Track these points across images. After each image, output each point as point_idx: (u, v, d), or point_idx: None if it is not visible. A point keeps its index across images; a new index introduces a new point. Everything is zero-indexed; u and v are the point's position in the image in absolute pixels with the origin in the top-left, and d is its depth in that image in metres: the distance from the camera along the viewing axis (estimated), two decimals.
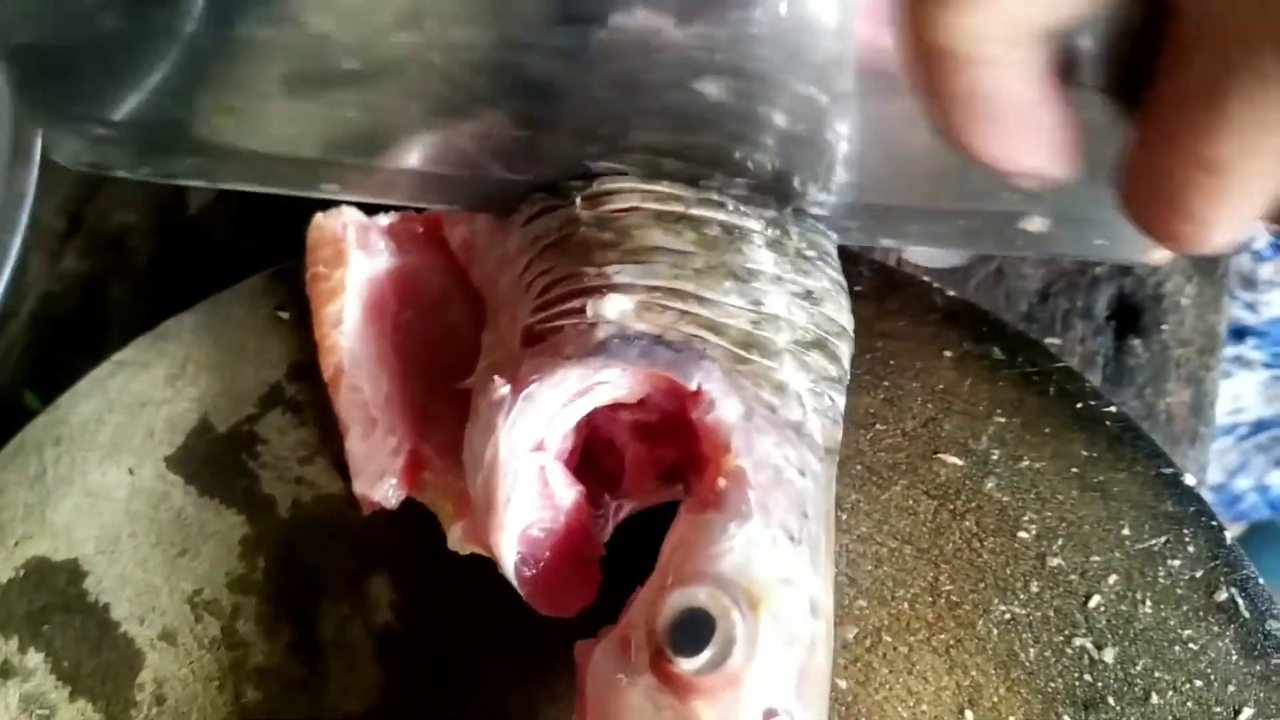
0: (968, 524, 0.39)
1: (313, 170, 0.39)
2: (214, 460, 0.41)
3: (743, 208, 0.37)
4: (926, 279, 0.45)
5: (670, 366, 0.32)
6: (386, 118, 0.38)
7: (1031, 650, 0.37)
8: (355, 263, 0.41)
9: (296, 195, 0.41)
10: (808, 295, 0.36)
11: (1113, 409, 0.41)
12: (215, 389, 0.42)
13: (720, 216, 0.36)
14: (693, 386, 0.32)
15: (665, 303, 0.34)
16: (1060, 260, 0.53)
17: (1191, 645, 0.37)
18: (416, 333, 0.42)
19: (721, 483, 0.31)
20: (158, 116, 0.39)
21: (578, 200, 0.37)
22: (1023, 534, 0.39)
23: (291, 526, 0.40)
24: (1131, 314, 0.53)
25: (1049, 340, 0.50)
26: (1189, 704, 0.36)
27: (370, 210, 0.42)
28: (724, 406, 0.32)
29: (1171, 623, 0.37)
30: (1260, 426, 0.92)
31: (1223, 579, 0.38)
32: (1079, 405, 0.41)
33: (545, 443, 0.32)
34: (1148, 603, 0.37)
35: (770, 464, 0.32)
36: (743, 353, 0.34)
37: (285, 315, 0.44)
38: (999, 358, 0.42)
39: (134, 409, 0.42)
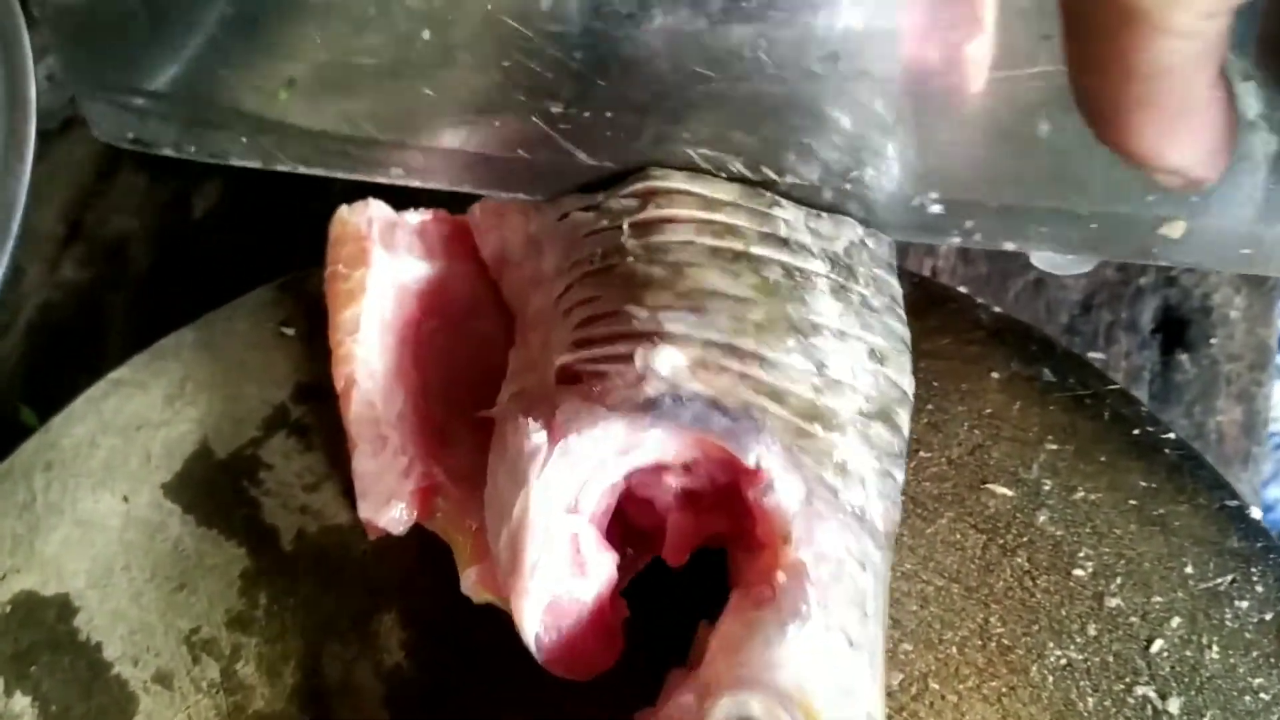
0: (1019, 560, 0.37)
1: (380, 151, 0.37)
2: (214, 487, 0.39)
3: (807, 243, 0.34)
4: (967, 292, 0.43)
5: (726, 436, 0.30)
6: (461, 94, 0.35)
7: (1090, 699, 0.34)
8: (378, 263, 0.39)
9: (358, 179, 0.38)
10: (872, 354, 0.33)
11: (1171, 435, 0.39)
12: (216, 410, 0.40)
13: (782, 257, 0.34)
14: (750, 462, 0.30)
15: (723, 362, 0.31)
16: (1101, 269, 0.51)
17: (1263, 695, 0.34)
18: (439, 345, 0.40)
19: (780, 577, 0.28)
20: (208, 87, 0.36)
21: (625, 226, 0.34)
22: (1078, 571, 0.36)
23: (296, 559, 0.38)
24: (1178, 327, 0.51)
25: (1091, 355, 0.47)
26: None
27: (398, 207, 0.40)
28: (784, 488, 0.29)
29: (1240, 670, 0.35)
30: None
31: None
32: (1135, 431, 0.39)
33: (580, 503, 0.30)
34: (1214, 648, 0.35)
35: (832, 557, 0.29)
36: (805, 425, 0.31)
37: (290, 332, 0.42)
38: (1049, 379, 0.40)
39: (130, 432, 0.40)
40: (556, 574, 0.29)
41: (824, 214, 0.35)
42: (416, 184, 0.38)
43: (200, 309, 0.43)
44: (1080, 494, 0.38)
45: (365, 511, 0.36)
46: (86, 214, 0.55)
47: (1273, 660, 0.35)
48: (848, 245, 0.35)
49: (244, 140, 0.37)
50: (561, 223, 0.36)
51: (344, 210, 0.39)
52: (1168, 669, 0.35)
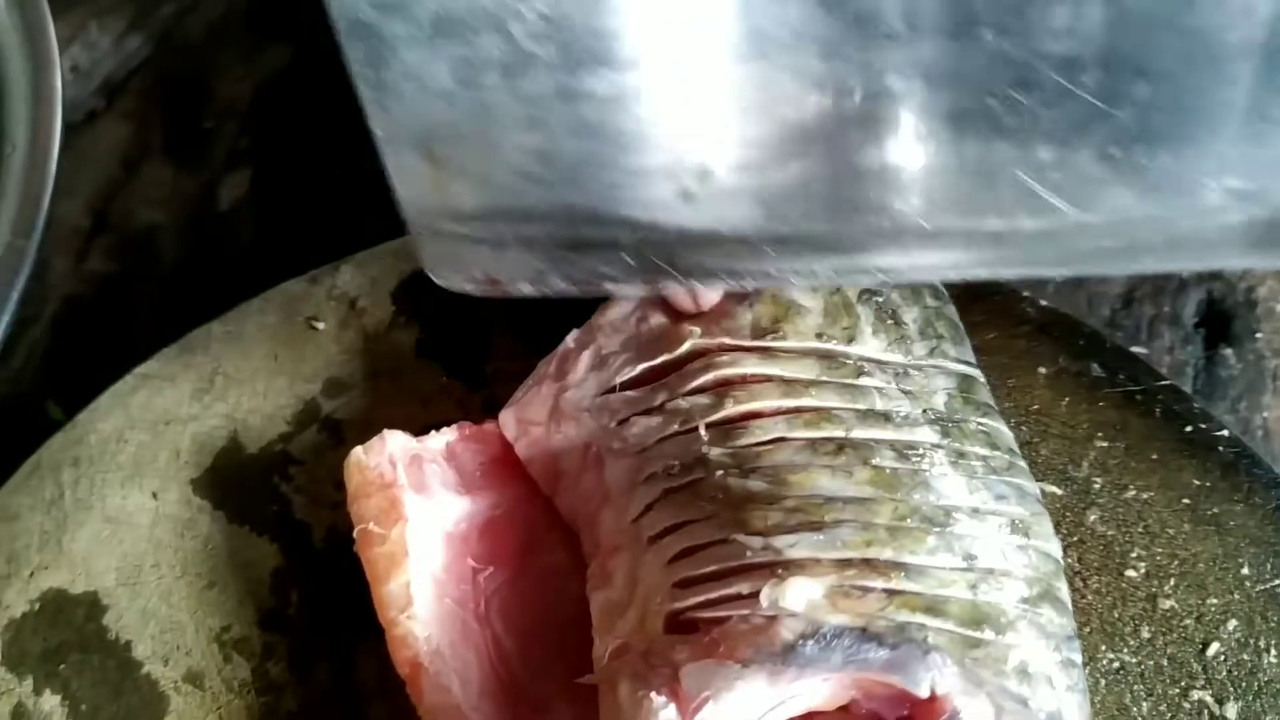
0: (1069, 560, 0.36)
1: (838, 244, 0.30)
2: (244, 484, 0.39)
3: (906, 410, 0.31)
4: (1012, 286, 0.42)
5: (888, 669, 0.27)
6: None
7: (1145, 704, 0.34)
8: (415, 514, 0.33)
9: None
10: (1015, 526, 0.31)
11: (1225, 432, 0.38)
12: (245, 406, 0.41)
13: (888, 435, 0.31)
14: (923, 692, 0.26)
15: (862, 581, 0.28)
16: None
17: None
18: (505, 594, 0.35)
19: None
20: (586, 198, 0.30)
21: (702, 430, 0.31)
22: (1130, 572, 0.36)
23: (328, 557, 0.38)
24: (1222, 321, 0.51)
25: (1134, 349, 0.47)
26: None
27: (416, 431, 0.36)
28: (970, 712, 0.26)
29: None
30: None
31: None
32: (1188, 429, 0.38)
33: None
34: (1273, 651, 0.35)
35: None
36: (973, 633, 0.28)
37: (321, 325, 0.42)
38: (1098, 375, 0.39)
39: (158, 427, 0.40)
40: None
41: (911, 369, 0.33)
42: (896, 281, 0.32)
43: (229, 302, 0.43)
44: (1131, 492, 0.37)
45: None
46: (113, 206, 0.55)
47: None
48: (946, 397, 0.33)
49: (628, 260, 0.31)
50: (620, 428, 0.33)
51: (358, 454, 0.34)
52: (1224, 673, 0.34)
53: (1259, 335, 0.50)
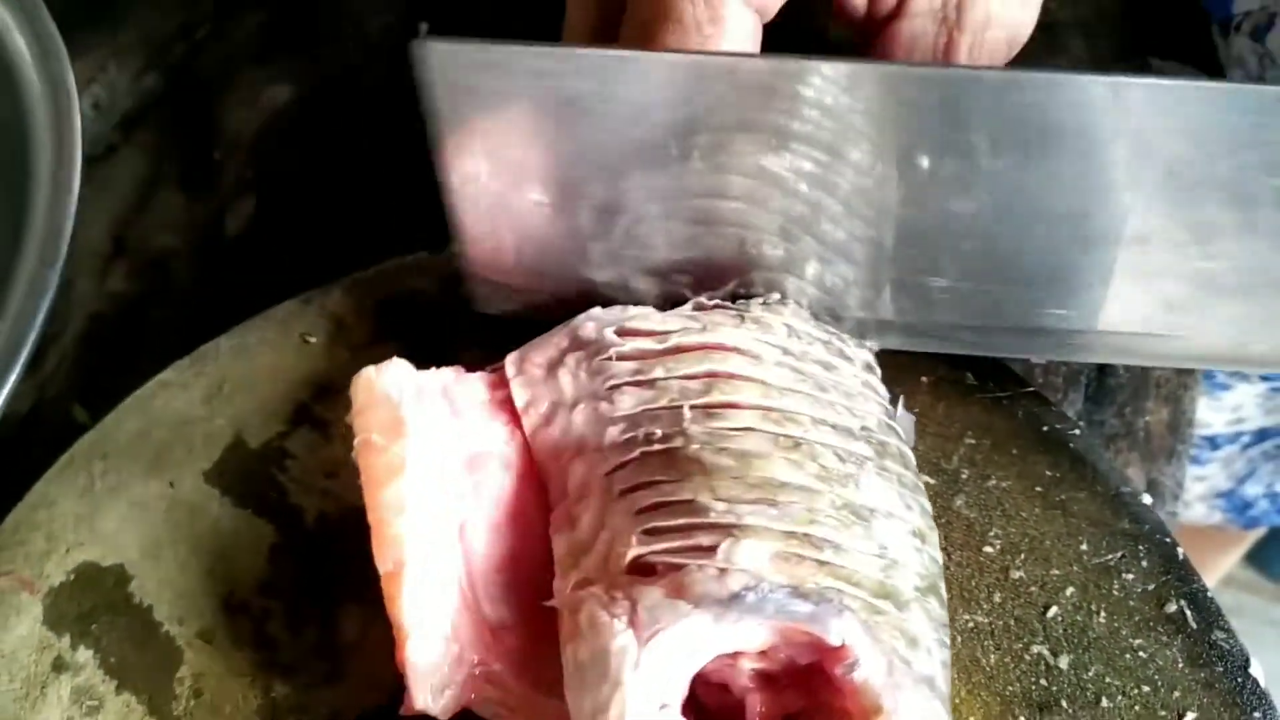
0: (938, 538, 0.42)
1: None
2: (247, 474, 0.44)
3: (852, 426, 0.38)
4: None
5: (810, 620, 0.31)
6: None
7: (992, 656, 0.40)
8: (416, 433, 0.37)
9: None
10: (915, 533, 0.37)
11: (1076, 432, 0.44)
12: (249, 408, 0.46)
13: (834, 441, 0.37)
14: (835, 641, 0.31)
15: (802, 552, 0.33)
16: None
17: (1141, 654, 0.40)
18: (480, 520, 0.39)
19: None
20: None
21: (687, 409, 0.36)
22: (988, 548, 0.42)
23: (317, 535, 0.43)
24: None
25: (1034, 361, 0.52)
26: (1136, 708, 0.39)
27: (421, 365, 0.40)
28: (869, 662, 0.32)
29: (1123, 632, 0.40)
30: (1263, 435, 0.94)
31: (1173, 592, 0.41)
32: (1044, 428, 0.44)
33: (668, 696, 0.31)
34: (1102, 613, 0.40)
35: None
36: (879, 603, 0.34)
37: (313, 340, 0.47)
38: (971, 383, 0.45)
39: (175, 426, 0.45)
40: None
41: (856, 392, 0.40)
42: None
43: (234, 319, 0.48)
44: (993, 481, 0.43)
45: (419, 702, 0.36)
46: (130, 232, 0.59)
47: (1152, 624, 0.40)
48: (879, 422, 0.39)
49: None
50: (612, 392, 0.38)
51: (369, 372, 0.38)
52: (1060, 631, 0.40)
53: None
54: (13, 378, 0.43)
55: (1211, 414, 0.91)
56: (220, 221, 0.59)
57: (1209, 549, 1.26)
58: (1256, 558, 1.39)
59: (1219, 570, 1.31)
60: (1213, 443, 0.94)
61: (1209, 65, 0.60)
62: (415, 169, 0.55)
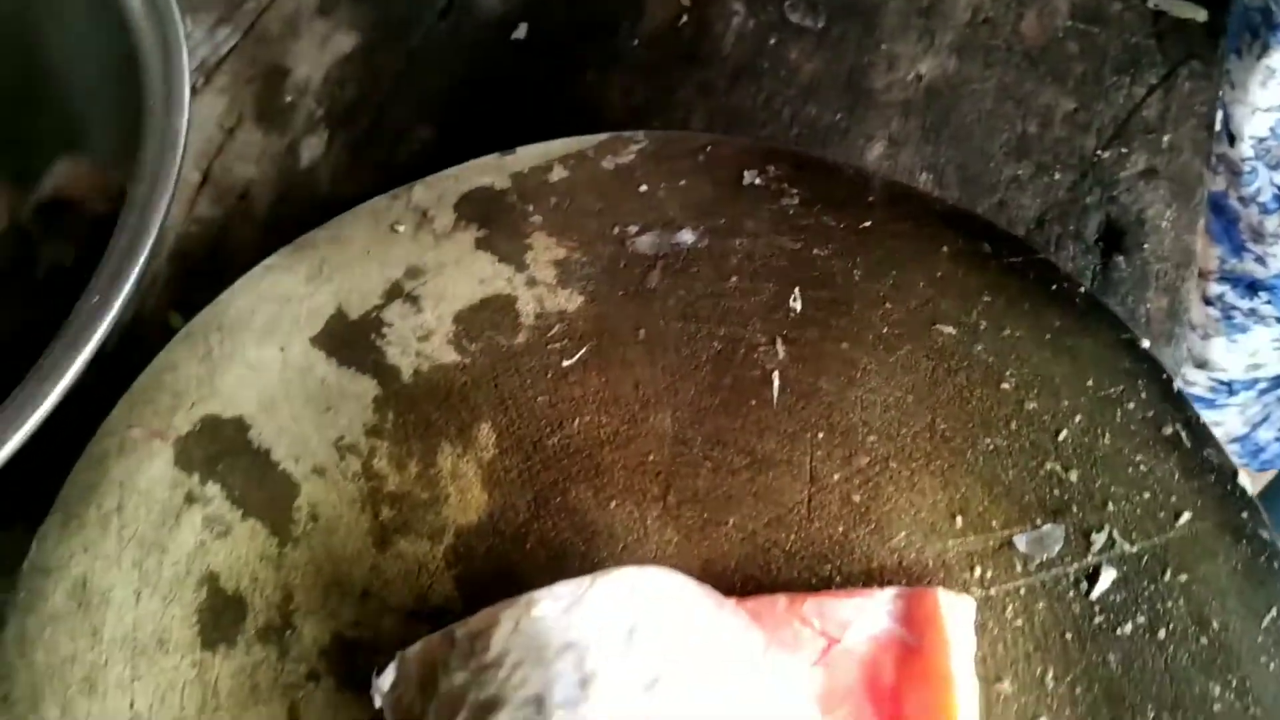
0: (959, 379, 0.48)
1: None
2: (349, 340, 0.50)
3: None
4: (926, 191, 0.54)
5: None
6: None
7: (1011, 473, 0.46)
8: None
9: None
10: None
11: (1083, 289, 0.50)
12: (347, 286, 0.52)
13: None
14: None
15: None
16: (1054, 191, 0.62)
17: (1142, 468, 0.45)
18: None
19: None
20: None
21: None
22: (1005, 385, 0.47)
23: (415, 388, 0.49)
24: (1117, 236, 0.62)
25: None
26: (1138, 511, 0.44)
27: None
28: None
29: (1126, 450, 0.46)
30: (1279, 382, 0.98)
31: (1169, 418, 0.46)
32: (1054, 287, 0.50)
33: None
34: (1107, 436, 0.46)
35: None
36: None
37: (401, 229, 0.53)
38: (988, 251, 0.51)
39: (281, 302, 0.51)
40: None
41: None
42: None
43: None
44: (1008, 331, 0.49)
45: None
46: (215, 164, 0.65)
47: (1151, 444, 0.46)
48: None
49: None
50: None
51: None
52: (1070, 450, 0.46)
53: (1145, 246, 0.62)
54: (142, 257, 0.48)
55: (1229, 358, 0.96)
56: (294, 154, 0.66)
57: None
58: (1266, 497, 1.44)
59: None
60: (1230, 388, 0.99)
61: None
62: (465, 104, 0.62)
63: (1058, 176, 0.64)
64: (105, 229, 0.48)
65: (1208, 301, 0.95)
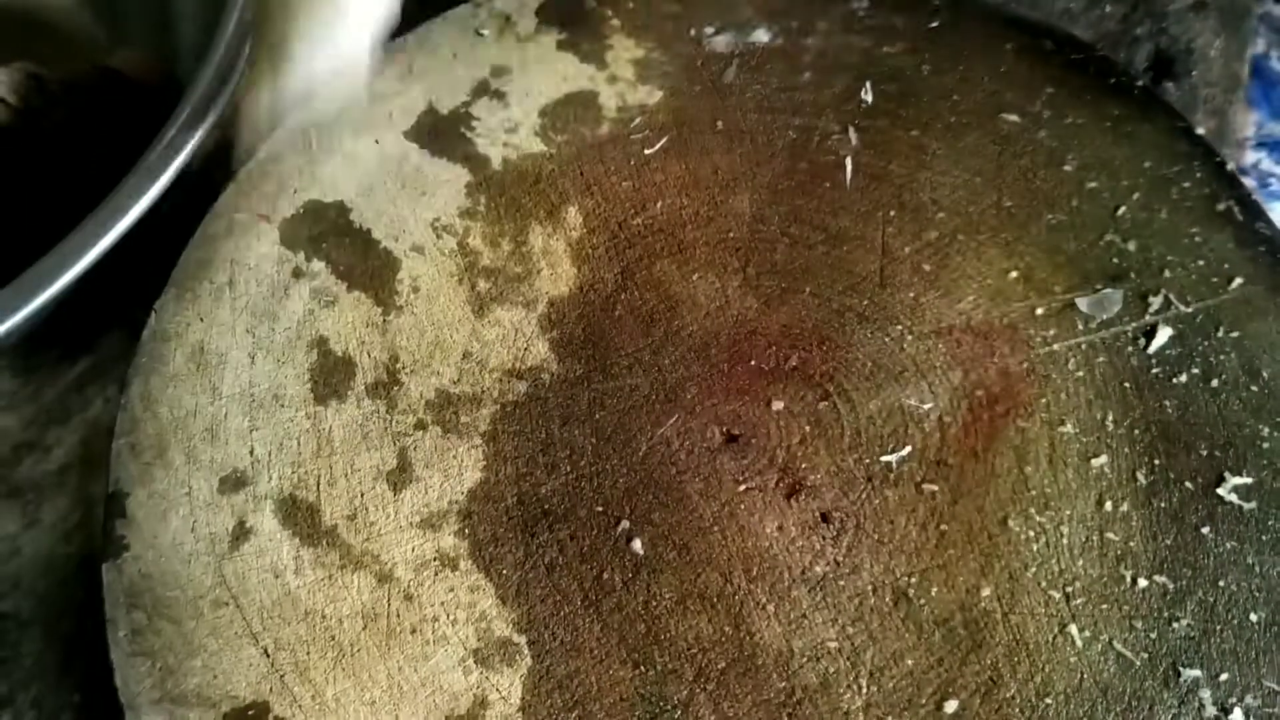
0: (1023, 162, 0.50)
1: None
2: (440, 132, 0.53)
3: None
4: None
5: None
6: None
7: (1072, 244, 0.48)
8: None
9: None
10: None
11: (1141, 83, 0.52)
12: (436, 85, 0.54)
13: None
14: None
15: None
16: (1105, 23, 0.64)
17: (1197, 239, 0.48)
18: None
19: None
20: None
21: None
22: (1067, 167, 0.50)
23: (503, 175, 0.52)
24: (1166, 63, 0.64)
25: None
26: (1193, 276, 0.47)
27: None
28: None
29: (1182, 224, 0.48)
30: None
31: (1224, 194, 0.49)
32: (1113, 80, 0.52)
33: None
34: (1164, 211, 0.49)
35: None
36: None
37: (485, 33, 0.56)
38: (1050, 48, 0.53)
39: (375, 99, 0.54)
40: None
41: None
42: None
43: None
44: (1070, 119, 0.51)
45: None
46: None
47: (1205, 218, 0.48)
48: None
49: None
50: None
51: None
52: (1129, 223, 0.49)
53: (1194, 73, 0.64)
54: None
55: None
56: None
57: None
58: None
59: None
60: None
61: None
62: None
63: (1109, 9, 0.66)
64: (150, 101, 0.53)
65: (1243, 171, 0.96)
